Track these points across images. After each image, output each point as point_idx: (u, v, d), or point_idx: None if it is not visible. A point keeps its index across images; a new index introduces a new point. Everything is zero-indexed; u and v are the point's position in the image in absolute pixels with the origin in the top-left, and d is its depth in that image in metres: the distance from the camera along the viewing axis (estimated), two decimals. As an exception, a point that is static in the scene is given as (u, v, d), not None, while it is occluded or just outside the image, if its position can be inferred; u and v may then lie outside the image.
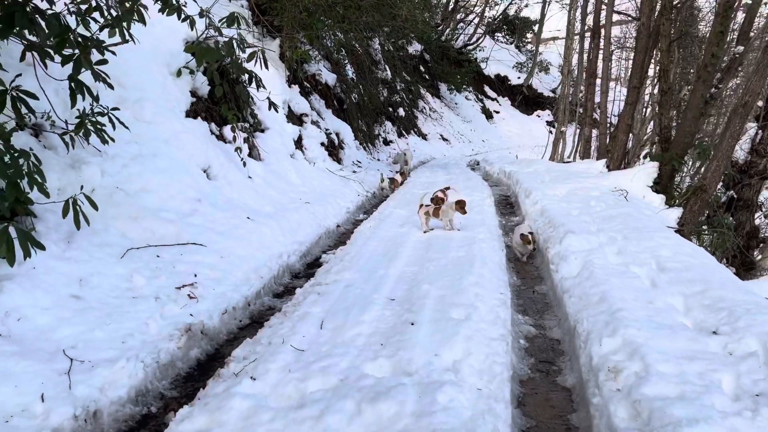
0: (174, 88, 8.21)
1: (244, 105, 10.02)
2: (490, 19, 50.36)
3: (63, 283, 4.65)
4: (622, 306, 4.62)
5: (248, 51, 8.98)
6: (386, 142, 24.74)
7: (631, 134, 15.74)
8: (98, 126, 5.34)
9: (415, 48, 38.99)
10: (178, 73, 8.52)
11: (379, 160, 19.47)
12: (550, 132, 45.52)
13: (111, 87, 5.21)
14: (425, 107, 37.31)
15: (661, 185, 12.49)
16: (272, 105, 9.77)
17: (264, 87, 9.75)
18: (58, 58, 4.73)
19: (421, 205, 8.09)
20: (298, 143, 12.27)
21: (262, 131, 10.85)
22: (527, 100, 52.34)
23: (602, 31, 19.08)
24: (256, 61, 8.70)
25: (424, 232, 7.93)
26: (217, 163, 7.97)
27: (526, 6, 51.38)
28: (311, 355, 4.09)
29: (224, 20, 8.66)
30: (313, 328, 4.56)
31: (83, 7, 4.98)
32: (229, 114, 8.27)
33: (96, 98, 5.28)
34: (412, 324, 4.50)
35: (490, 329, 4.55)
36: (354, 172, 14.21)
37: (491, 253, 6.76)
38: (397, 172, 15.71)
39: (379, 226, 8.32)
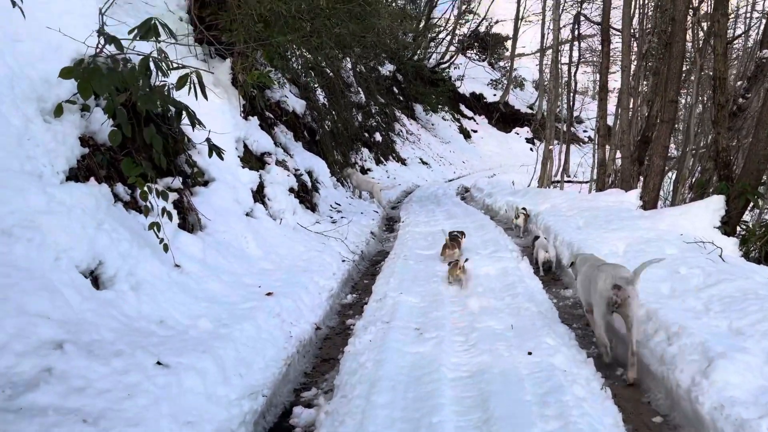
0: (46, 135, 5.11)
1: (167, 153, 6.95)
2: (461, 37, 49.23)
3: None
4: None
5: (177, 74, 6.03)
6: (364, 171, 22.11)
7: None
8: None
9: (387, 68, 36.94)
10: (58, 111, 5.41)
11: (360, 197, 16.44)
12: (531, 149, 43.38)
13: None
14: (402, 130, 35.23)
15: (730, 225, 9.74)
16: (214, 149, 6.78)
17: (202, 124, 6.77)
18: None
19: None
20: (259, 193, 9.20)
21: (205, 184, 7.76)
22: (505, 117, 51.52)
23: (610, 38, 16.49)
24: (190, 88, 5.79)
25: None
26: (115, 255, 4.86)
27: (497, 23, 50.66)
28: None
29: (135, 30, 5.65)
30: None
31: None
32: (133, 172, 5.17)
33: None
34: None
35: None
36: (333, 221, 11.17)
37: (600, 414, 3.76)
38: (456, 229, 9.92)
39: (384, 340, 5.13)
